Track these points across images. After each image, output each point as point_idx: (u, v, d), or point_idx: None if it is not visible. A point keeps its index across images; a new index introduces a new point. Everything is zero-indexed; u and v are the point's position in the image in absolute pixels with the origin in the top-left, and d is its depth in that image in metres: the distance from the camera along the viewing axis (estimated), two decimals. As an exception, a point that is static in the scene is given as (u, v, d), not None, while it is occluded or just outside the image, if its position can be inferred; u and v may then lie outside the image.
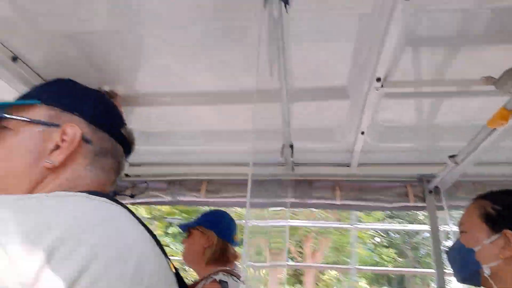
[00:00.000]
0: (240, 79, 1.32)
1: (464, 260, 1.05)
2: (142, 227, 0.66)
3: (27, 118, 0.72)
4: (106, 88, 1.29)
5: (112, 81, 1.31)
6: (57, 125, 0.72)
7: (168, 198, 2.17)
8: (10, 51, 1.16)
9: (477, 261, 0.99)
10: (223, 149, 1.87)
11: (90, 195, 0.63)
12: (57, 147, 0.71)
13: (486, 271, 0.96)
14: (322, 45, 1.16)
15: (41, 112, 0.74)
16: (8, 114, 0.72)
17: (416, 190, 1.94)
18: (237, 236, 1.73)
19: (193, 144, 1.85)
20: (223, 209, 2.00)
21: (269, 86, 1.18)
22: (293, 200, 2.13)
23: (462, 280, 1.08)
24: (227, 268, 1.61)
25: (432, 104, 1.45)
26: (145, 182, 1.07)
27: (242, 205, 2.19)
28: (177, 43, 1.17)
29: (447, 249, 1.18)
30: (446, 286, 1.89)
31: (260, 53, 0.99)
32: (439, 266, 1.85)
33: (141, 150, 1.88)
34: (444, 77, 1.27)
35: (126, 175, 2.11)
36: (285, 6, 0.87)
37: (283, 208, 2.24)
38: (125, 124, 0.88)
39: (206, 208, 2.22)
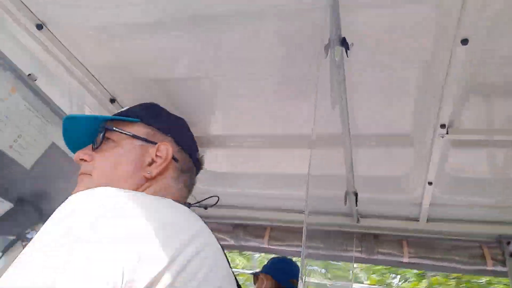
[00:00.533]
0: (303, 124, 1.40)
1: None
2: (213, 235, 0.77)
3: (131, 133, 0.88)
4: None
5: (189, 122, 1.47)
6: (154, 143, 0.87)
7: (232, 242, 2.23)
8: (109, 93, 1.38)
9: None
10: (285, 193, 1.92)
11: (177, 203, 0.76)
12: (152, 160, 0.86)
13: None
14: (384, 93, 1.21)
15: (140, 129, 0.90)
16: (114, 127, 0.88)
17: (494, 252, 1.77)
18: (296, 281, 1.72)
19: (257, 188, 1.93)
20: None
21: (331, 130, 1.24)
22: (358, 255, 2.06)
23: None
24: None
25: (506, 154, 1.38)
26: (217, 196, 1.16)
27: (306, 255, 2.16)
28: (250, 93, 1.30)
29: None
30: None
31: (318, 99, 1.07)
32: None
33: (210, 191, 2.00)
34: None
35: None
36: (346, 52, 0.96)
37: (346, 262, 2.17)
38: (199, 150, 1.02)
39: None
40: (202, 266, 0.62)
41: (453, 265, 1.84)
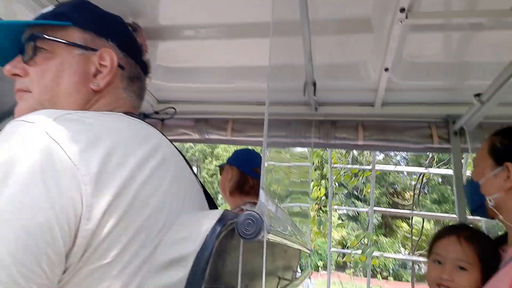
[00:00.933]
0: (261, 11, 1.31)
1: (473, 193, 1.09)
2: (173, 146, 0.75)
3: (66, 40, 0.76)
4: (129, 20, 1.32)
5: (135, 14, 1.34)
6: (94, 50, 0.77)
7: (196, 136, 2.27)
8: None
9: (482, 193, 1.02)
10: (245, 87, 1.90)
11: (130, 116, 0.72)
12: (97, 70, 0.77)
13: (490, 202, 0.99)
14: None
15: (75, 35, 0.77)
16: (45, 35, 0.76)
17: (441, 131, 1.91)
18: (258, 169, 1.82)
19: (217, 82, 1.89)
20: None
21: (288, 17, 1.18)
22: (316, 140, 2.16)
23: (472, 212, 1.13)
24: (255, 201, 1.71)
25: (461, 38, 1.39)
26: (173, 108, 1.13)
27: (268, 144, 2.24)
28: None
29: (463, 185, 1.21)
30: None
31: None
32: (461, 209, 1.86)
33: (168, 87, 1.95)
34: (475, 8, 1.21)
35: (156, 112, 2.21)
36: None
37: (307, 148, 2.29)
38: (146, 52, 0.93)
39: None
40: (158, 187, 0.62)
41: (404, 145, 1.99)
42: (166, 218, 0.62)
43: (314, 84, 1.73)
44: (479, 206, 1.05)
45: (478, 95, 1.53)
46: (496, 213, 0.99)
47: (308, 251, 1.91)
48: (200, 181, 0.84)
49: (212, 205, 0.84)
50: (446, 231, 1.01)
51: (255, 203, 1.66)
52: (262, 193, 0.54)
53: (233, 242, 0.58)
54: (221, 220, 0.57)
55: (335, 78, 1.74)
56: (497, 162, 1.01)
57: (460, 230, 0.99)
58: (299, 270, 1.95)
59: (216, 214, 0.59)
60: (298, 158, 1.96)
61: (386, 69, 1.53)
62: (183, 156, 0.79)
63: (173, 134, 2.27)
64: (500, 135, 1.04)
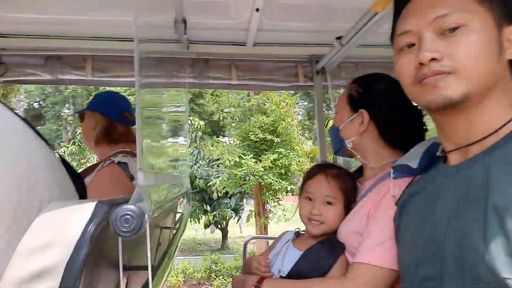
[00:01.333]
0: None
1: (334, 137, 1.20)
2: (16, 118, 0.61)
3: None
4: None
5: None
6: None
7: (46, 76, 1.94)
8: None
9: (341, 137, 1.13)
10: (105, 20, 1.67)
11: None
12: None
13: (349, 145, 1.11)
14: None
15: None
16: None
17: (306, 70, 2.04)
18: (130, 115, 1.67)
19: (70, 13, 1.61)
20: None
21: None
22: (191, 80, 2.09)
23: (335, 152, 1.26)
24: (127, 150, 1.58)
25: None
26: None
27: (133, 85, 2.08)
28: None
29: (328, 129, 1.33)
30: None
31: None
32: (322, 143, 2.08)
33: (7, 18, 1.59)
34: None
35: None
36: None
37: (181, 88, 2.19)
38: None
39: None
40: None
41: (273, 84, 2.07)
42: (13, 215, 0.50)
43: (185, 21, 1.61)
44: (340, 148, 1.18)
45: (339, 38, 1.64)
46: (354, 154, 1.12)
47: (186, 190, 1.92)
48: (54, 148, 0.72)
49: (73, 174, 0.74)
50: (315, 171, 1.11)
51: (127, 152, 1.55)
52: (140, 175, 0.48)
53: (109, 238, 0.49)
54: (93, 218, 0.47)
55: (206, 16, 1.65)
56: (353, 109, 1.11)
57: (327, 169, 1.09)
58: (179, 210, 1.97)
59: (86, 209, 0.49)
60: (172, 98, 1.88)
61: (257, 10, 1.50)
62: (29, 124, 0.64)
63: (17, 74, 1.90)
64: (356, 84, 1.14)
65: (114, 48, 1.90)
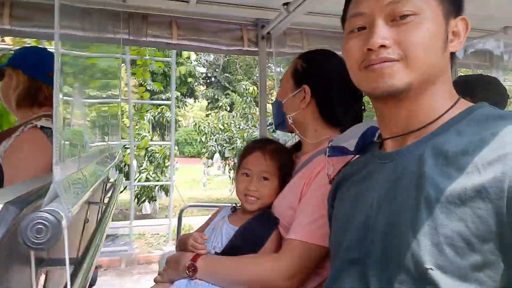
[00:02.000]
0: None
1: (277, 110, 1.18)
2: None
3: None
4: None
5: None
6: None
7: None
8: None
9: (284, 112, 1.12)
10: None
11: None
12: None
13: (290, 120, 1.11)
14: None
15: None
16: None
17: (251, 35, 1.97)
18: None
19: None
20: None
21: None
22: (126, 36, 1.92)
23: (276, 126, 1.24)
24: (51, 113, 1.42)
25: None
26: None
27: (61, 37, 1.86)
28: None
29: (272, 102, 1.30)
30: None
31: None
32: (263, 113, 2.06)
33: None
34: None
35: None
36: None
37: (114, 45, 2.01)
38: None
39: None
40: None
41: (217, 46, 1.98)
42: None
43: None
44: (281, 122, 1.16)
45: (286, 3, 1.58)
46: (294, 129, 1.12)
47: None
48: None
49: None
50: (252, 147, 1.09)
51: (52, 117, 1.39)
52: (56, 170, 0.41)
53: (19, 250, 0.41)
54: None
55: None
56: (297, 84, 1.10)
57: (265, 145, 1.08)
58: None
59: None
60: (103, 54, 1.72)
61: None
62: None
63: None
64: (301, 59, 1.12)
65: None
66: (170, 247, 4.72)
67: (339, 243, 0.71)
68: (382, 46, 0.61)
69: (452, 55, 0.66)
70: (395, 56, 0.61)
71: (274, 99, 1.21)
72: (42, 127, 1.29)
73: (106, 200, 1.52)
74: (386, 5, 0.61)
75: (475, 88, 1.37)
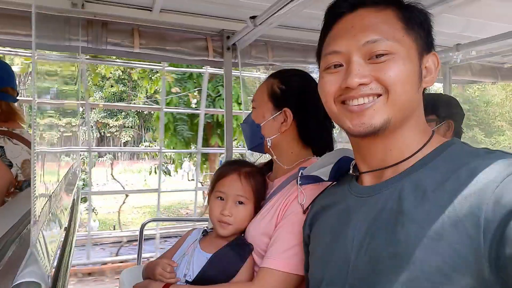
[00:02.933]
0: None
1: (252, 133, 1.12)
2: None
3: None
4: None
5: None
6: None
7: None
8: None
9: (262, 134, 1.08)
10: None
11: None
12: None
13: (269, 143, 1.07)
14: None
15: None
16: None
17: (216, 45, 1.95)
18: (12, 89, 1.38)
19: None
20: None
21: None
22: (84, 44, 1.83)
23: (250, 148, 1.18)
24: (3, 129, 1.31)
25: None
26: None
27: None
28: None
29: (241, 123, 1.24)
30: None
31: None
32: (229, 128, 2.04)
33: None
34: None
35: None
36: None
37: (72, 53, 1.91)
38: None
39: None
40: None
41: (180, 56, 1.94)
42: None
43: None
44: (258, 145, 1.13)
45: (253, 17, 1.58)
46: (271, 152, 1.09)
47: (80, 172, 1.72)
48: None
49: None
50: (228, 170, 1.06)
51: (3, 133, 1.29)
52: (34, 232, 0.36)
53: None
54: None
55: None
56: (276, 106, 1.06)
57: (240, 168, 1.06)
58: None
59: None
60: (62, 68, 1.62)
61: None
62: None
63: None
64: (277, 79, 1.09)
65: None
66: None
67: (319, 278, 0.71)
68: (362, 84, 0.62)
69: (424, 91, 0.68)
70: (378, 90, 0.62)
71: (248, 121, 1.15)
72: None
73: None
74: (363, 44, 0.62)
75: (439, 107, 1.45)
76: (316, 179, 0.85)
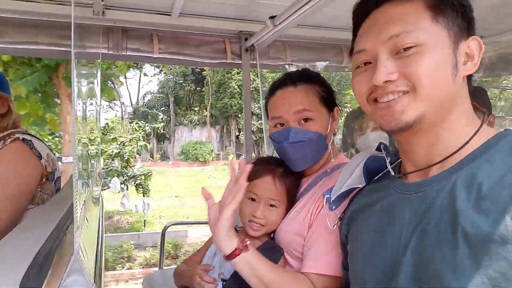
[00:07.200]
0: None
1: (318, 146, 1.03)
2: None
3: None
4: None
5: None
6: None
7: None
8: None
9: (327, 143, 1.04)
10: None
11: None
12: None
13: (329, 148, 1.04)
14: None
15: None
16: None
17: (234, 47, 1.95)
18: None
19: None
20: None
21: None
22: (105, 51, 1.85)
23: (307, 164, 1.04)
24: (20, 130, 1.35)
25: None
26: None
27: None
28: None
29: (287, 143, 1.02)
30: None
31: None
32: (248, 128, 2.03)
33: None
34: None
35: None
36: None
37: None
38: None
39: None
40: None
41: (199, 59, 1.94)
42: None
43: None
44: (317, 157, 1.03)
45: (272, 17, 1.57)
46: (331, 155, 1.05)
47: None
48: None
49: None
50: (262, 170, 1.01)
51: (23, 132, 1.32)
52: (77, 237, 0.35)
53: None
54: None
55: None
56: (329, 109, 1.04)
57: (275, 168, 1.01)
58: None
59: None
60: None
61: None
62: None
63: None
64: (312, 83, 1.04)
65: (8, 8, 1.58)
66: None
67: (362, 280, 0.69)
68: (388, 81, 0.61)
69: (469, 77, 0.65)
70: (404, 87, 0.60)
71: (312, 137, 1.01)
72: (24, 139, 1.26)
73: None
74: (387, 39, 0.61)
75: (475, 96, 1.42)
76: (349, 192, 0.83)
